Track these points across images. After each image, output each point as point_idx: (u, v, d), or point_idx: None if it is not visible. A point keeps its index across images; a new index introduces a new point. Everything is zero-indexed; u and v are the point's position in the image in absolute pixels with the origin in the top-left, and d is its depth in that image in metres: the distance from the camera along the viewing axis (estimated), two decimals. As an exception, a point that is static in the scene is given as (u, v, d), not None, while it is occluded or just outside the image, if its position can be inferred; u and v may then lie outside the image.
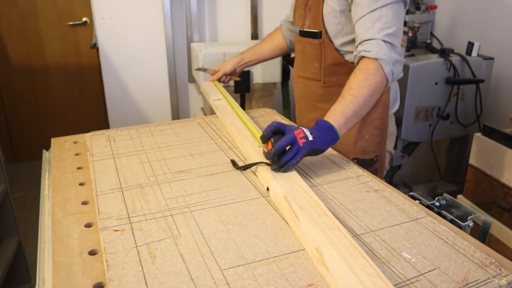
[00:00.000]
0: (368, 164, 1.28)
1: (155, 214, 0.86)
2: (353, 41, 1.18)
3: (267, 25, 2.84)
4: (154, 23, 2.63)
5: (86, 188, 1.00)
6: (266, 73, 2.38)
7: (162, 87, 2.77)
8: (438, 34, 2.66)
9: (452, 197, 0.94)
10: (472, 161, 1.93)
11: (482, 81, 2.12)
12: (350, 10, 1.17)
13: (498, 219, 1.80)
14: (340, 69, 1.25)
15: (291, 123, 1.37)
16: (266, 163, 0.98)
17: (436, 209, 0.92)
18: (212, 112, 1.46)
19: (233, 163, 1.07)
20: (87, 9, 2.84)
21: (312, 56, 1.30)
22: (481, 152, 1.87)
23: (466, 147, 2.27)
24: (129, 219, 0.84)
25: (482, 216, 0.89)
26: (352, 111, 1.03)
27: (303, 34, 1.32)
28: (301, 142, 0.94)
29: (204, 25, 2.73)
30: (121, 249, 0.75)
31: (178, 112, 2.82)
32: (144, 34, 2.64)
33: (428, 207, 0.93)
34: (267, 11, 2.81)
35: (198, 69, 1.94)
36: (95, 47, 2.66)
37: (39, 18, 2.96)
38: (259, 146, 1.09)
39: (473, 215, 0.88)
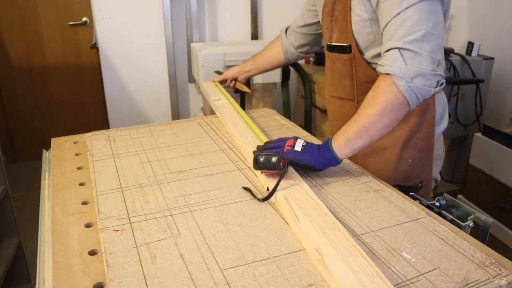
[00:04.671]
0: (411, 191, 1.13)
1: (155, 214, 0.86)
2: None
3: (267, 25, 2.84)
4: (154, 23, 2.63)
5: (86, 188, 1.00)
6: (266, 73, 2.37)
7: (162, 87, 2.77)
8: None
9: (452, 197, 0.94)
10: (472, 161, 1.93)
11: (482, 81, 2.12)
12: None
13: (498, 219, 1.80)
14: None
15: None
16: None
17: (436, 209, 0.92)
18: (212, 112, 1.46)
19: (249, 191, 0.95)
20: (87, 9, 2.84)
21: (343, 73, 1.17)
22: (481, 152, 1.87)
23: (466, 147, 2.27)
24: (129, 219, 0.84)
25: (482, 216, 0.89)
26: (354, 132, 0.95)
27: (331, 48, 1.18)
28: (286, 148, 0.98)
29: (204, 25, 2.73)
30: (121, 249, 0.75)
31: (178, 112, 2.82)
32: (144, 34, 2.64)
33: (428, 207, 0.93)
34: (267, 11, 2.81)
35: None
36: (95, 47, 2.66)
37: (39, 18, 2.96)
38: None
39: (473, 215, 0.88)
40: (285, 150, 0.98)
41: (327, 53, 1.22)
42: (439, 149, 1.22)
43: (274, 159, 0.90)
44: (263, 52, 1.54)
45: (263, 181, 0.97)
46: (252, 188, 0.96)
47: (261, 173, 0.96)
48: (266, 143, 1.05)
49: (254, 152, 1.03)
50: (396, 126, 1.02)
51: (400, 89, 0.92)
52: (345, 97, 1.19)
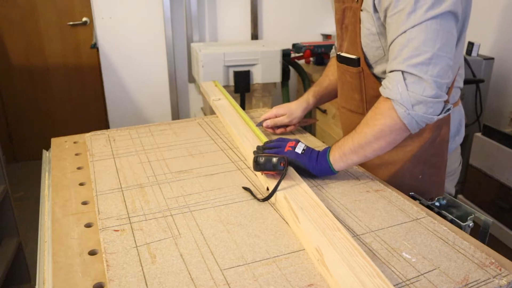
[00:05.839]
0: None
1: (155, 214, 0.86)
2: None
3: (267, 25, 2.84)
4: (154, 23, 2.63)
5: (86, 188, 1.00)
6: (266, 73, 2.38)
7: (162, 87, 2.77)
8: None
9: (452, 197, 0.95)
10: (472, 161, 1.93)
11: (482, 81, 2.12)
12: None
13: (498, 219, 1.80)
14: None
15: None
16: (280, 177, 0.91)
17: (436, 209, 0.92)
18: (212, 112, 1.46)
19: (249, 191, 0.95)
20: (87, 9, 2.84)
21: (352, 86, 1.12)
22: (481, 152, 1.87)
23: (466, 147, 2.27)
24: (129, 219, 0.84)
25: (482, 216, 0.89)
26: (350, 148, 0.94)
27: (340, 59, 1.12)
28: (287, 149, 0.99)
29: (204, 25, 2.73)
30: (121, 249, 0.75)
31: (178, 112, 2.83)
32: (144, 34, 2.64)
33: (428, 207, 0.93)
34: (267, 11, 2.82)
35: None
36: (95, 47, 2.66)
37: (39, 18, 2.96)
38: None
39: (473, 215, 0.88)
40: (285, 150, 0.98)
41: (337, 63, 1.17)
42: (455, 163, 1.16)
43: (274, 160, 0.90)
44: (326, 82, 1.31)
45: (263, 181, 0.97)
46: (252, 188, 0.96)
47: (262, 174, 0.96)
48: (265, 143, 1.06)
49: (254, 152, 1.03)
50: (407, 141, 0.99)
51: (399, 115, 0.88)
52: (355, 110, 1.15)
